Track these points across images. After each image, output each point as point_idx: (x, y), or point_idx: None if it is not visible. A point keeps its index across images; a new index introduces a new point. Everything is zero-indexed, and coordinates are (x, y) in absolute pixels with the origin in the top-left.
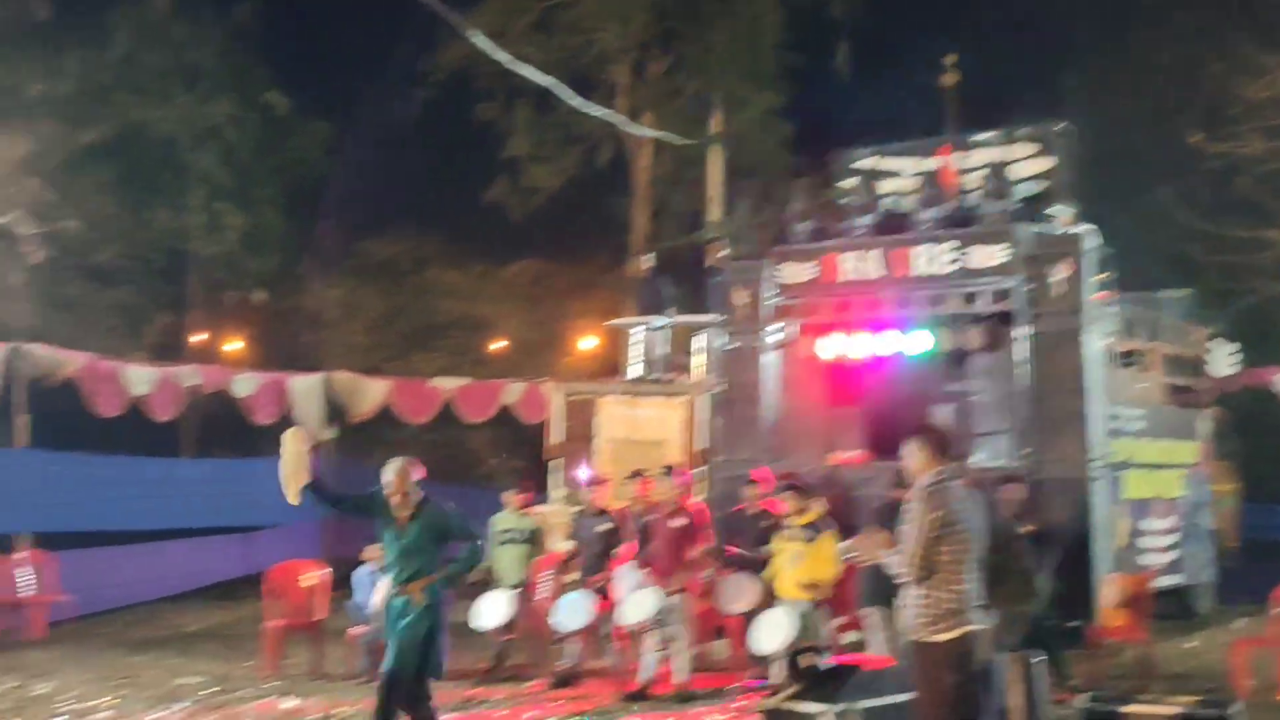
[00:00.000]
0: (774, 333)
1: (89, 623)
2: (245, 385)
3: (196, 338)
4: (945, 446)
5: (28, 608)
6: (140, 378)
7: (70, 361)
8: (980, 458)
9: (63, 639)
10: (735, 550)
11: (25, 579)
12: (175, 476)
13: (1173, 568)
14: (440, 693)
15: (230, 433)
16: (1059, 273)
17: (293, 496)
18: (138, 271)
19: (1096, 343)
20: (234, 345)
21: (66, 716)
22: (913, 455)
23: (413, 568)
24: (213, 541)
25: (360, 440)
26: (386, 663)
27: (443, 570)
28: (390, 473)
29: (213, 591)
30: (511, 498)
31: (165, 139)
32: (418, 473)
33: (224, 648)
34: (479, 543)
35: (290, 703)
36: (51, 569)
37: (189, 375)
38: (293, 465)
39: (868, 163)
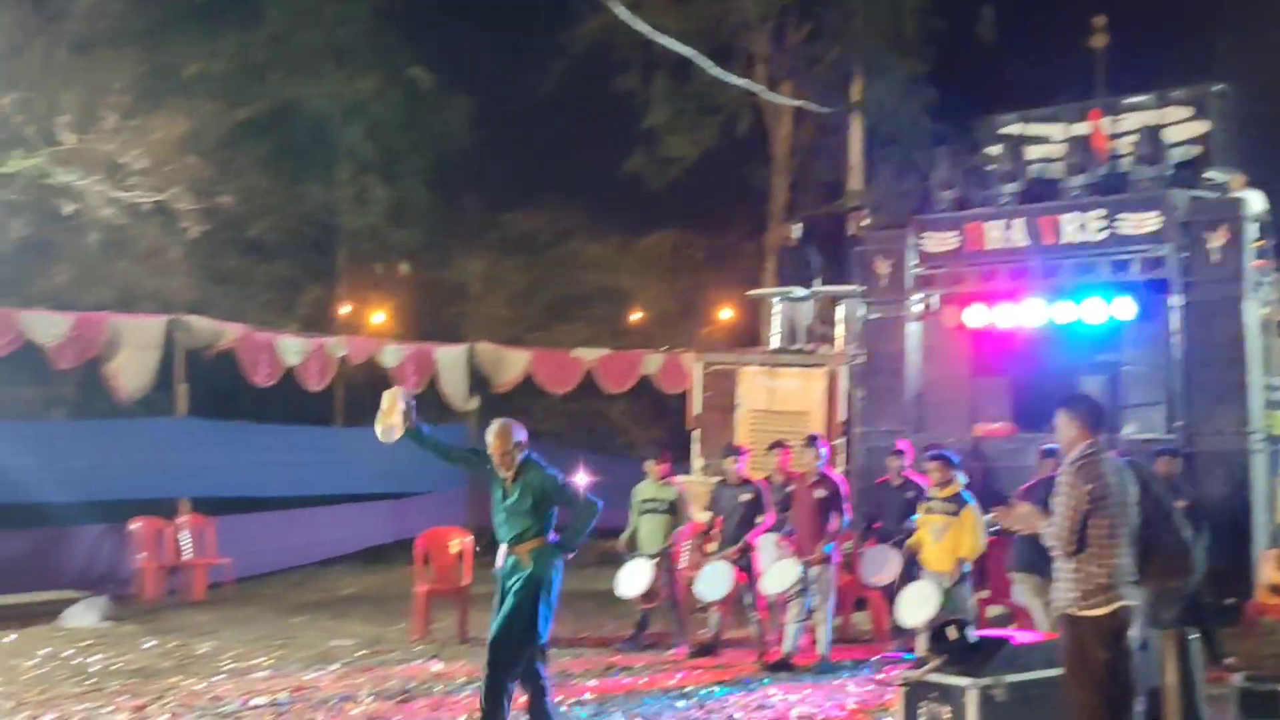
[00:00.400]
0: (916, 302)
1: (247, 586)
2: (392, 356)
3: (345, 309)
4: (1097, 418)
5: (188, 570)
6: (293, 348)
7: (227, 332)
8: (1131, 430)
9: (222, 601)
10: (873, 510)
11: (186, 543)
12: (327, 444)
13: None
14: (582, 660)
15: (379, 402)
16: (1216, 239)
17: (381, 435)
18: (290, 245)
19: (1255, 311)
20: (381, 317)
21: (226, 675)
22: (1063, 428)
23: (519, 528)
24: (364, 508)
25: (502, 411)
26: (493, 627)
27: (559, 536)
28: (491, 434)
29: (364, 556)
30: (652, 467)
31: (315, 115)
32: (519, 433)
33: (375, 611)
34: (588, 503)
35: (438, 666)
36: (211, 534)
37: (339, 346)
38: (387, 413)
39: (1014, 128)
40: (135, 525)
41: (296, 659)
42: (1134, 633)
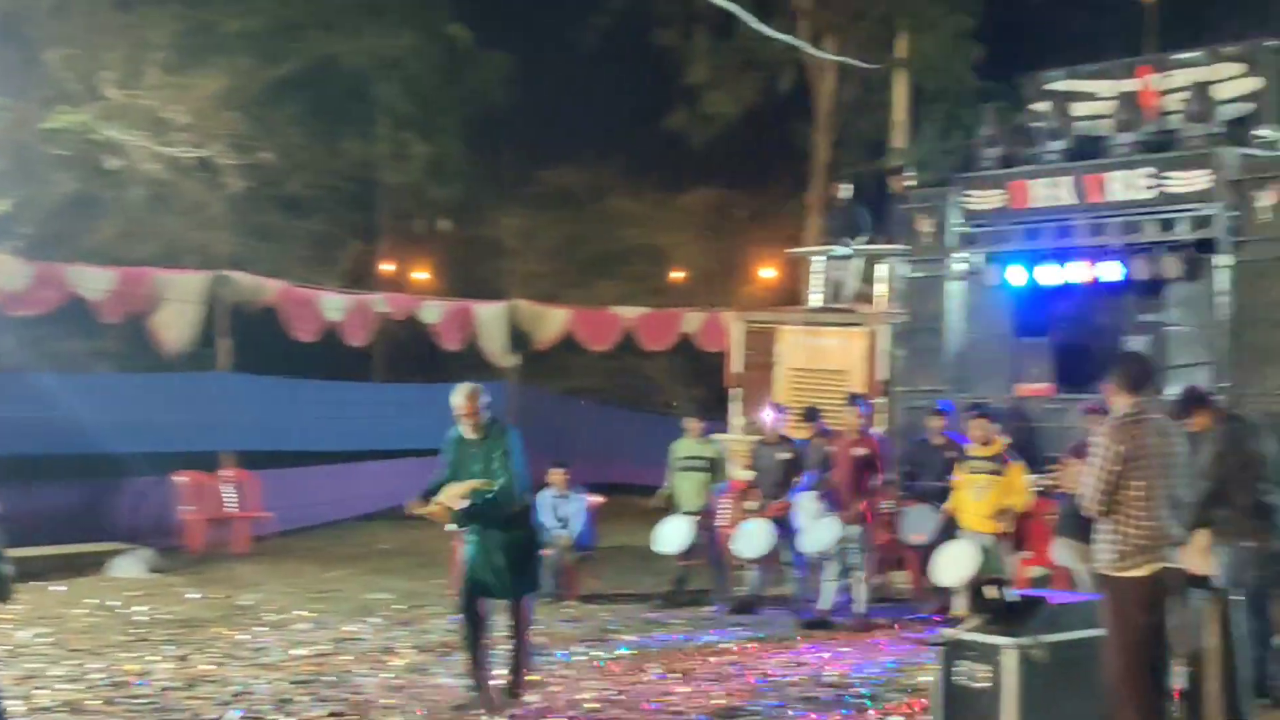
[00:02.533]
0: (959, 261)
1: (289, 539)
2: (432, 312)
3: (385, 266)
4: (1143, 378)
5: (232, 523)
6: (334, 304)
7: (269, 288)
8: (1173, 392)
9: (265, 554)
10: (914, 469)
11: (229, 496)
12: (368, 400)
13: None
14: (620, 615)
15: (418, 358)
16: (1266, 198)
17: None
18: (330, 201)
19: None
20: (421, 274)
21: (269, 626)
22: (1109, 387)
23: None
24: (404, 464)
25: (542, 368)
26: (510, 582)
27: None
28: (461, 396)
29: (403, 512)
30: (692, 424)
31: (353, 71)
32: (486, 395)
33: (414, 565)
34: (514, 491)
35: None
36: (253, 487)
37: (379, 302)
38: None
39: (1060, 85)
40: (180, 478)
41: (337, 611)
42: (1174, 593)
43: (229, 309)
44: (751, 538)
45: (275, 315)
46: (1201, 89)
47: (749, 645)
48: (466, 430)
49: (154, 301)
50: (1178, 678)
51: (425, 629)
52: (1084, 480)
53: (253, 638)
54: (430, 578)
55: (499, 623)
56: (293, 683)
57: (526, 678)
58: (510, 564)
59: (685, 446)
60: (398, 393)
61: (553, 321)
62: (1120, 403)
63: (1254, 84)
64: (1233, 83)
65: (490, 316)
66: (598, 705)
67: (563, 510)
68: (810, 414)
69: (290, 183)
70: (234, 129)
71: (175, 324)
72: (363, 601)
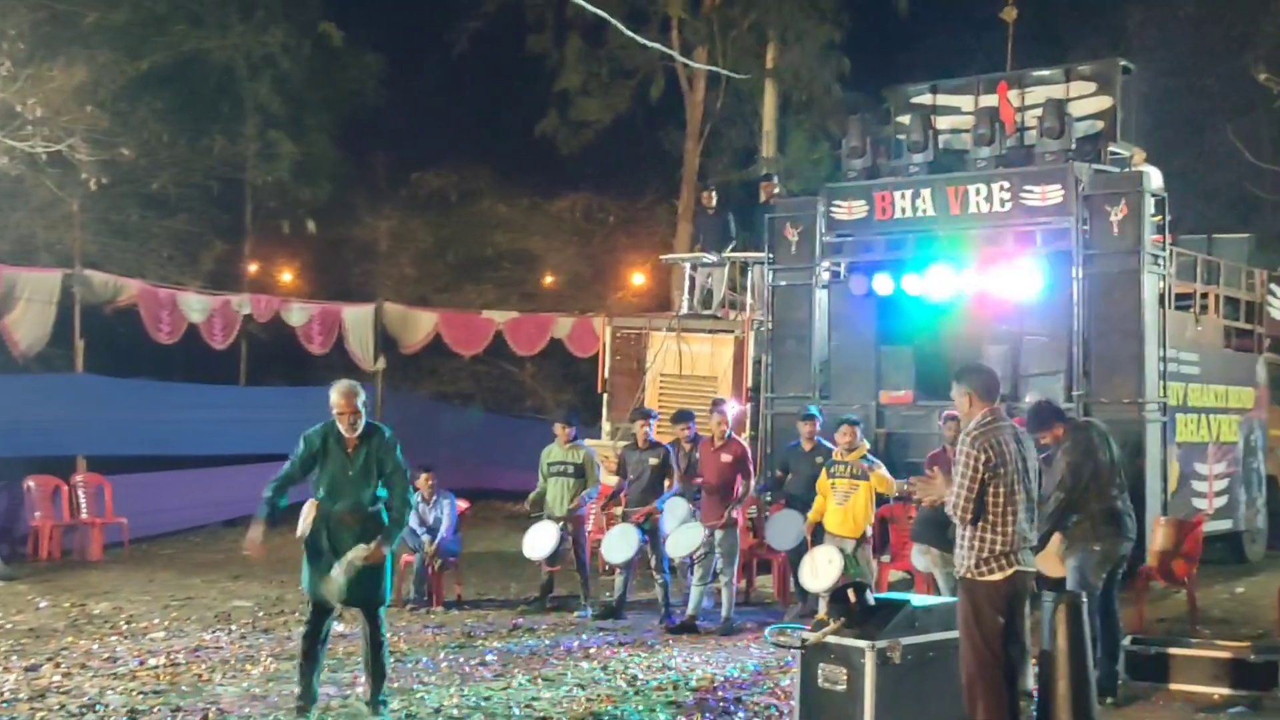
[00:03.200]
0: (825, 270)
1: (146, 546)
2: (299, 314)
3: (251, 267)
4: (990, 388)
5: (85, 529)
6: (196, 305)
7: (127, 288)
8: (1030, 400)
9: (120, 561)
10: (781, 474)
11: (82, 502)
12: (231, 403)
13: (1224, 513)
14: (486, 621)
15: (284, 361)
16: (1117, 213)
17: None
18: (194, 200)
19: (1154, 285)
20: (288, 275)
21: (122, 635)
22: (958, 399)
23: (359, 494)
24: (268, 468)
25: (411, 371)
26: (339, 593)
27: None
28: (340, 393)
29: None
30: (560, 430)
31: (220, 68)
32: (364, 393)
33: (277, 572)
34: (407, 503)
35: (340, 627)
36: (108, 492)
37: (243, 303)
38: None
39: (924, 99)
40: (31, 483)
41: (195, 619)
42: (1028, 597)
43: (84, 309)
44: (619, 543)
45: (135, 316)
46: (1057, 106)
47: (616, 650)
48: (344, 428)
49: (5, 300)
50: (1031, 678)
51: (287, 636)
52: (951, 490)
53: (105, 647)
54: (293, 584)
55: (356, 632)
56: (146, 693)
57: (387, 685)
58: (365, 571)
59: (555, 452)
60: (262, 396)
61: (422, 324)
62: (975, 412)
63: (1105, 102)
64: (1086, 100)
65: (357, 319)
66: (462, 712)
67: (429, 516)
68: (680, 416)
69: (152, 180)
70: (93, 123)
71: (27, 324)
72: (223, 609)
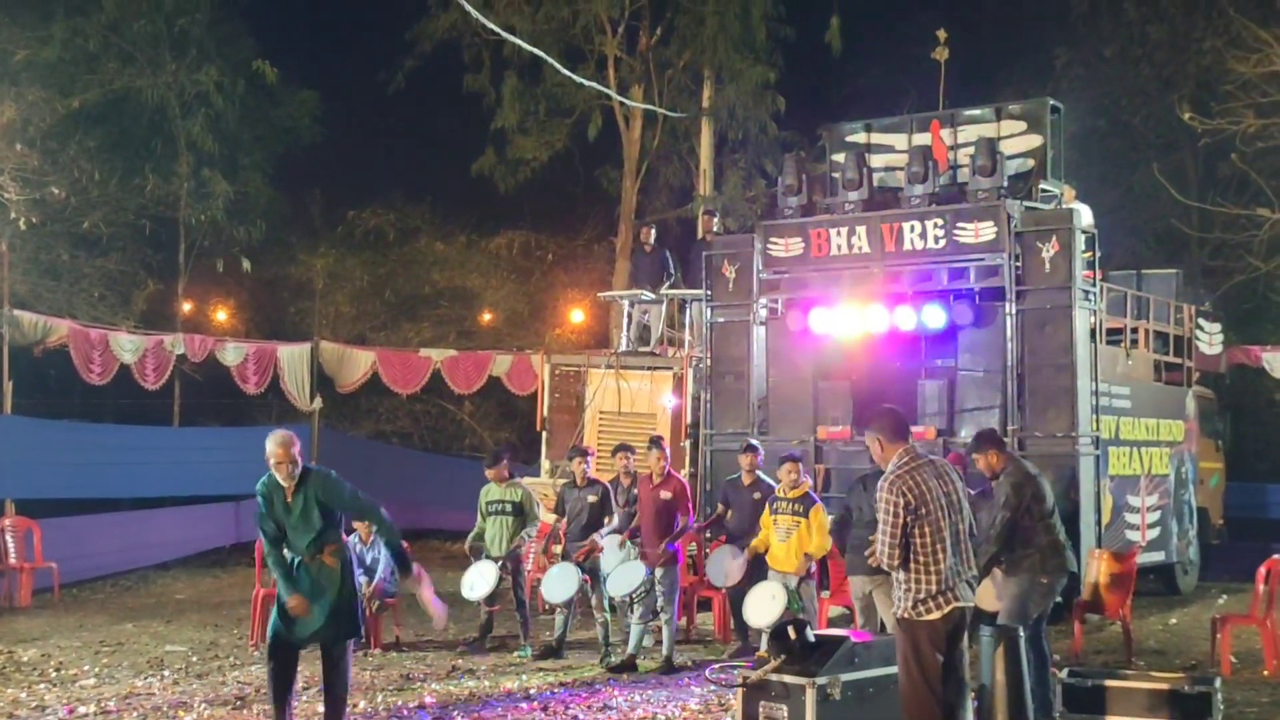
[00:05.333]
0: (762, 307)
1: (76, 590)
2: (233, 354)
3: (185, 306)
4: (899, 429)
5: (12, 574)
6: (128, 345)
7: (56, 328)
8: (967, 433)
9: (48, 607)
10: (721, 509)
11: (9, 546)
12: (164, 444)
13: (1157, 544)
14: (425, 663)
15: (219, 401)
16: (1048, 249)
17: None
18: (127, 239)
19: (1085, 320)
20: (222, 314)
21: (51, 683)
22: (871, 446)
23: (313, 533)
24: (202, 510)
25: (348, 410)
26: (306, 627)
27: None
28: (276, 443)
29: (201, 560)
30: (495, 471)
31: (153, 106)
32: (298, 442)
33: (212, 616)
34: (386, 518)
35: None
36: (36, 536)
37: (176, 343)
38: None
39: (859, 137)
40: None
41: (126, 666)
42: (965, 633)
43: (12, 350)
44: (559, 582)
45: (65, 357)
46: (989, 144)
47: (556, 690)
48: (282, 477)
49: None
50: (971, 713)
51: (222, 682)
52: (877, 538)
53: (33, 696)
54: (228, 628)
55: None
56: None
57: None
58: (333, 609)
59: (492, 491)
60: (196, 437)
61: (359, 363)
62: (890, 454)
63: (1035, 141)
64: (1017, 139)
65: (293, 358)
66: None
67: (366, 557)
68: (620, 449)
69: (83, 219)
70: (21, 162)
71: None
72: (155, 655)
